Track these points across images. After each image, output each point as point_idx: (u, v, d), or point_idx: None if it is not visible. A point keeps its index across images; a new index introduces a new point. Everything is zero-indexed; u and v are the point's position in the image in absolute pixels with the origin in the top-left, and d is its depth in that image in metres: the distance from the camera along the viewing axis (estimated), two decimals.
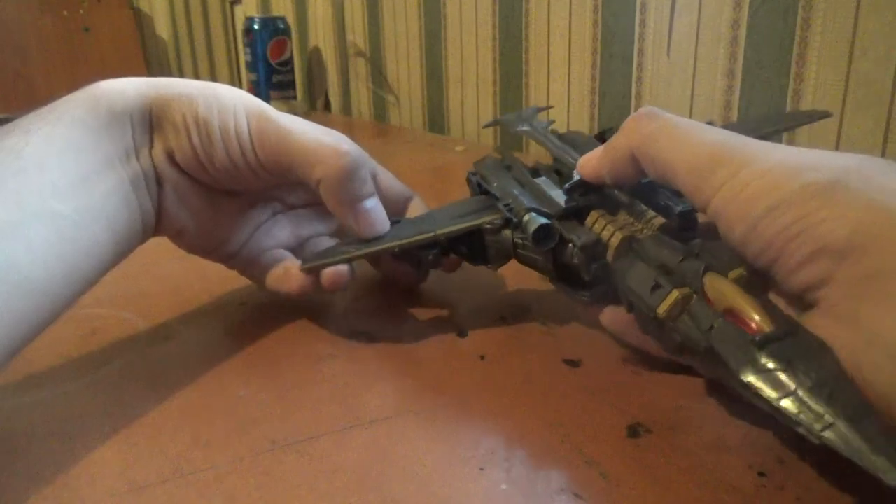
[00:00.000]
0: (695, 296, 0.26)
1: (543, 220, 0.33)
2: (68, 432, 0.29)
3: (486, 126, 0.68)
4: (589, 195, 0.34)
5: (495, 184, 0.38)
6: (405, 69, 1.05)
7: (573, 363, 0.33)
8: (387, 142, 0.97)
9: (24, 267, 0.28)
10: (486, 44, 0.90)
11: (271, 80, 1.12)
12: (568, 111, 0.82)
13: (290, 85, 1.14)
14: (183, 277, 0.44)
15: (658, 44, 0.71)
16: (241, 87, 1.38)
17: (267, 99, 1.12)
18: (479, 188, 0.39)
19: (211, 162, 0.34)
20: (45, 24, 1.57)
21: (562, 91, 0.82)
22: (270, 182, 0.36)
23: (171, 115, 0.33)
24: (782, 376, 0.22)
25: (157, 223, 0.35)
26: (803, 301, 0.25)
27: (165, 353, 0.36)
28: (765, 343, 0.23)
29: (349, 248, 0.36)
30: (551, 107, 0.60)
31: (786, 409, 0.22)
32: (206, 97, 0.34)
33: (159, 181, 0.34)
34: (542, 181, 0.37)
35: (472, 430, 0.28)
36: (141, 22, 1.74)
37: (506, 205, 0.35)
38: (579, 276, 0.32)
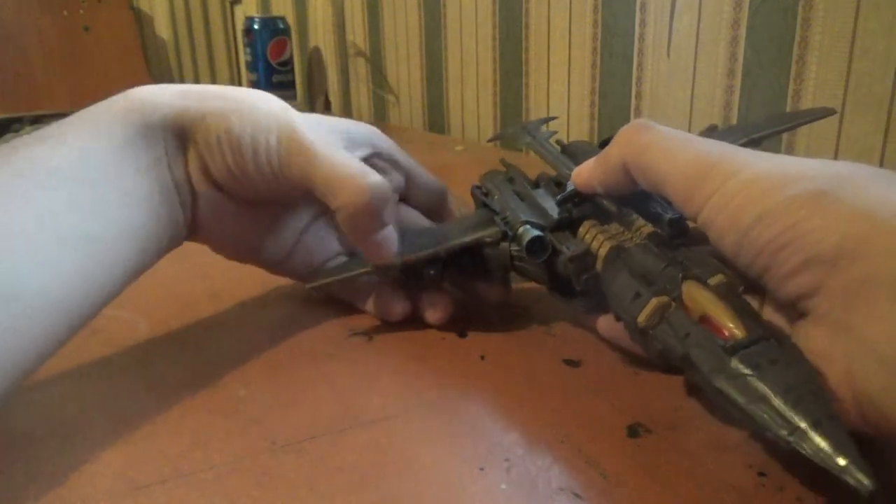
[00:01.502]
0: (673, 304, 0.27)
1: (536, 233, 0.34)
2: (68, 432, 0.29)
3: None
4: (582, 206, 0.34)
5: (496, 196, 0.39)
6: (405, 69, 1.05)
7: (573, 363, 0.33)
8: None
9: (50, 289, 0.28)
10: (486, 44, 0.90)
11: (271, 80, 1.12)
12: (568, 111, 0.82)
13: (290, 85, 1.14)
14: (183, 278, 0.44)
15: (658, 44, 0.71)
16: (241, 87, 1.36)
17: None
18: (482, 203, 0.40)
19: (244, 177, 0.34)
20: (45, 24, 1.57)
21: (562, 91, 0.82)
22: (302, 195, 0.36)
23: (205, 131, 0.33)
24: (752, 382, 0.23)
25: (189, 233, 0.36)
26: (796, 309, 0.25)
27: (165, 353, 0.36)
28: (736, 349, 0.23)
29: (355, 265, 0.38)
30: (555, 117, 0.60)
31: (754, 413, 0.22)
32: (240, 113, 0.34)
33: (193, 193, 0.35)
34: (540, 193, 0.38)
35: (472, 429, 0.28)
36: (141, 22, 1.74)
37: (503, 218, 0.36)
38: (573, 286, 0.33)
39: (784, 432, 0.21)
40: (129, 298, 0.41)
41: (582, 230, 0.34)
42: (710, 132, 0.41)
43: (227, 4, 1.46)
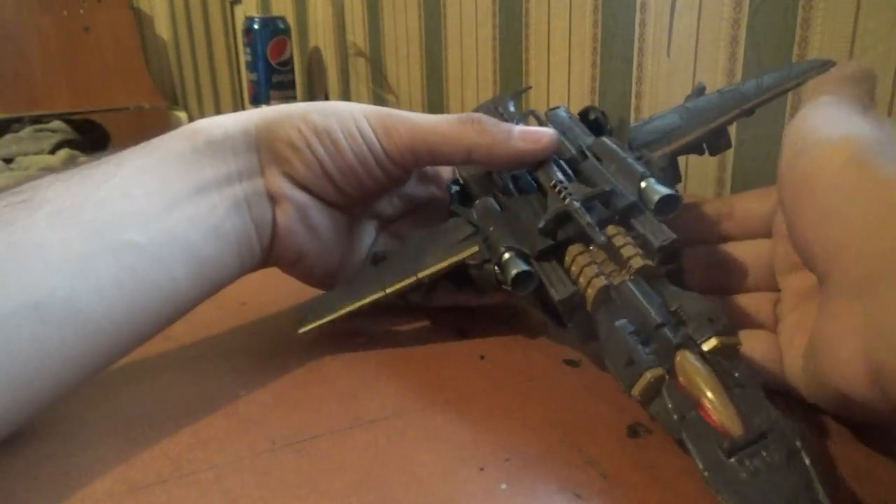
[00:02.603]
0: (666, 377, 0.25)
1: (522, 267, 0.32)
2: (68, 432, 0.29)
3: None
4: (566, 227, 0.32)
5: (477, 207, 0.36)
6: (405, 69, 1.05)
7: (573, 363, 0.33)
8: None
9: (84, 304, 0.27)
10: (486, 44, 0.90)
11: (271, 80, 1.12)
12: None
13: (290, 85, 1.14)
14: None
15: (658, 44, 0.71)
16: (241, 87, 1.36)
17: (267, 99, 1.12)
18: (461, 197, 0.38)
19: (338, 169, 0.34)
20: (45, 24, 1.57)
21: (562, 91, 0.82)
22: (395, 179, 0.37)
23: (285, 134, 0.33)
24: (749, 490, 0.21)
25: (271, 250, 0.35)
26: (815, 270, 0.25)
27: (165, 353, 0.36)
28: (733, 450, 0.22)
29: (338, 304, 0.35)
30: (529, 88, 0.58)
31: None
32: (318, 110, 0.34)
33: (274, 204, 0.34)
34: (520, 201, 0.35)
35: (472, 429, 0.28)
36: (141, 22, 1.74)
37: (484, 240, 0.34)
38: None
39: None
40: None
41: (568, 258, 0.31)
42: (699, 93, 0.39)
43: (227, 4, 1.46)
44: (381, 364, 0.34)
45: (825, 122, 0.26)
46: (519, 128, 0.35)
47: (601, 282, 0.29)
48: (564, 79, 0.81)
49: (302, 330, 0.35)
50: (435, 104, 1.01)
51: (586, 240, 0.31)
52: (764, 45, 0.62)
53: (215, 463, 0.27)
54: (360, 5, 1.10)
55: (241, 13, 1.41)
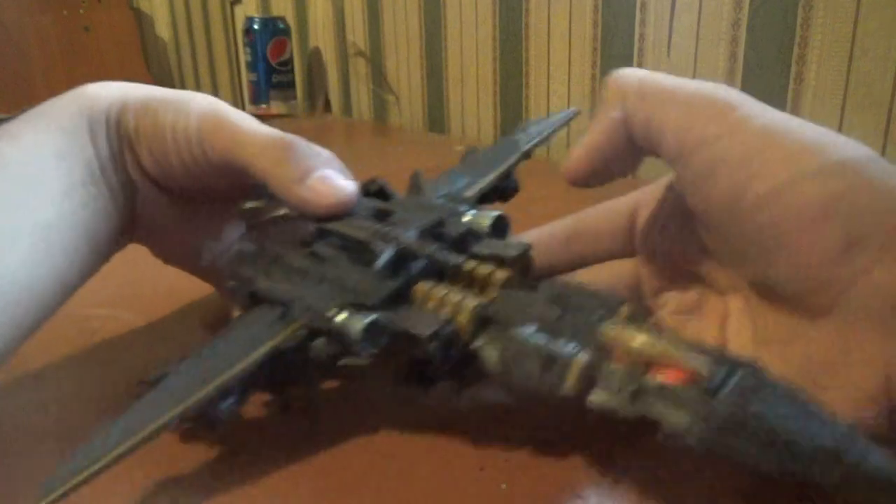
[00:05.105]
0: (598, 358, 0.22)
1: (370, 317, 0.25)
2: (68, 432, 0.29)
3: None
4: (406, 267, 0.27)
5: (266, 283, 0.29)
6: (405, 69, 1.05)
7: None
8: (387, 142, 0.97)
9: (15, 273, 0.28)
10: (486, 44, 0.90)
11: (271, 81, 1.12)
12: None
13: (290, 85, 1.14)
14: (183, 278, 0.44)
15: (658, 44, 0.71)
16: (241, 87, 1.37)
17: (267, 99, 1.12)
18: (255, 298, 0.29)
19: (169, 166, 0.33)
20: (45, 24, 1.57)
21: (562, 91, 0.82)
22: (233, 187, 0.34)
23: (137, 122, 0.33)
24: (755, 418, 0.18)
25: (132, 230, 0.34)
26: (815, 308, 0.21)
27: (165, 353, 0.36)
28: (714, 389, 0.19)
29: (102, 450, 0.24)
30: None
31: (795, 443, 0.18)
32: (167, 103, 0.33)
33: (133, 189, 0.34)
34: (333, 257, 0.29)
35: (473, 429, 0.28)
36: (141, 22, 1.74)
37: (302, 309, 0.26)
38: (429, 372, 0.26)
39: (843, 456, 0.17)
40: (130, 299, 0.42)
41: (419, 297, 0.26)
42: (472, 153, 0.37)
43: (227, 4, 1.46)
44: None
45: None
46: (317, 175, 0.30)
47: (471, 303, 0.25)
48: (564, 79, 0.81)
49: (47, 500, 0.22)
50: (435, 104, 1.01)
51: (432, 276, 0.27)
52: (764, 45, 0.62)
53: (214, 463, 0.27)
54: (360, 5, 1.10)
55: (241, 13, 1.41)
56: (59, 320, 0.30)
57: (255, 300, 0.29)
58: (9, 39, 1.55)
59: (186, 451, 0.27)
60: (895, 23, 0.53)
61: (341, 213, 0.30)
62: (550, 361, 0.22)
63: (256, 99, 1.13)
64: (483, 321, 0.25)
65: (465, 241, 0.28)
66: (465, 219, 0.29)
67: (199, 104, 0.33)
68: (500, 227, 0.29)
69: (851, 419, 0.20)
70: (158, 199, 0.34)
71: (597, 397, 0.21)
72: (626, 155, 0.27)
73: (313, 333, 0.26)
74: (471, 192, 0.33)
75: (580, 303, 0.23)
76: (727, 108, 0.23)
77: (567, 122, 0.38)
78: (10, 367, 0.28)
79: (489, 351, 0.24)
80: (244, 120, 0.32)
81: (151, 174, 0.33)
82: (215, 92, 1.61)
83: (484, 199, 0.34)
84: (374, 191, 0.33)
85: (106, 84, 0.34)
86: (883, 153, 0.58)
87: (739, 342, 0.25)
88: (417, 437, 0.28)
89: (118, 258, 0.35)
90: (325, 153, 0.32)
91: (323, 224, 0.30)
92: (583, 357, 0.22)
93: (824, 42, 0.58)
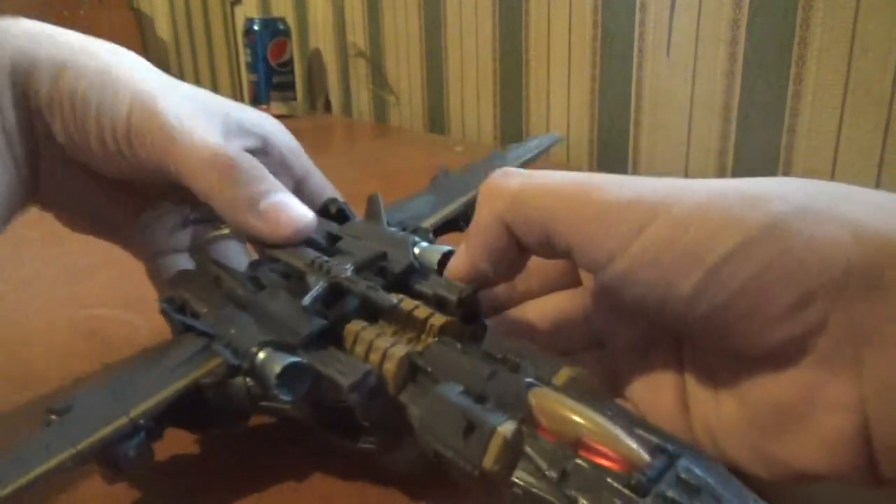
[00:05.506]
0: (525, 429, 0.19)
1: (289, 359, 0.23)
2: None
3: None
4: (339, 303, 0.25)
5: (204, 310, 0.27)
6: (405, 69, 1.05)
7: None
8: (387, 142, 0.97)
9: None
10: (486, 44, 0.90)
11: (271, 81, 1.12)
12: (568, 111, 0.82)
13: (291, 86, 1.14)
14: None
15: (658, 44, 0.71)
16: (241, 87, 1.36)
17: (267, 100, 1.12)
18: (183, 325, 0.27)
19: (89, 150, 0.29)
20: None
21: (562, 91, 0.82)
22: (165, 185, 0.30)
23: (51, 93, 0.28)
24: None
25: (35, 197, 0.31)
26: (775, 358, 0.20)
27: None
28: (648, 484, 0.16)
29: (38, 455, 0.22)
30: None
31: None
32: (88, 72, 0.28)
33: (36, 151, 0.29)
34: (266, 295, 0.27)
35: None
36: (141, 23, 1.74)
37: (225, 343, 0.25)
38: (353, 421, 0.23)
39: None
40: (130, 299, 0.42)
41: (348, 339, 0.24)
42: (444, 175, 0.35)
43: (228, 5, 1.46)
44: None
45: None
46: (269, 201, 0.28)
47: (400, 350, 0.23)
48: (564, 79, 0.81)
49: None
50: (435, 104, 1.01)
51: (367, 314, 0.25)
52: (764, 45, 0.62)
53: (213, 464, 0.27)
54: (360, 5, 1.10)
55: (241, 14, 1.41)
56: (60, 320, 0.30)
57: (185, 326, 0.27)
58: None
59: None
60: (895, 23, 0.53)
61: (298, 242, 0.28)
62: (471, 427, 0.19)
63: (256, 99, 1.13)
64: (413, 371, 0.23)
65: (408, 277, 0.26)
66: (416, 251, 0.27)
67: (127, 82, 0.29)
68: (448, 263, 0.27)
69: (826, 468, 0.19)
70: (71, 173, 0.30)
71: (521, 477, 0.18)
72: (508, 263, 0.25)
73: (233, 371, 0.24)
74: (431, 221, 0.31)
75: (517, 363, 0.21)
76: (647, 214, 0.21)
77: (549, 148, 0.37)
78: (10, 366, 0.28)
79: (412, 407, 0.22)
80: (180, 121, 0.28)
81: (66, 149, 0.30)
82: (215, 92, 1.61)
83: (449, 225, 0.32)
84: (333, 212, 0.32)
85: (14, 22, 0.30)
86: (882, 153, 0.58)
87: (694, 380, 0.24)
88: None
89: (119, 258, 0.35)
90: (265, 179, 0.29)
91: (269, 248, 0.28)
92: (508, 427, 0.18)
93: (824, 42, 0.58)
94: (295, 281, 0.26)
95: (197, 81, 1.67)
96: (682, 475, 0.16)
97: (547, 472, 0.18)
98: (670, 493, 0.16)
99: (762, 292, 0.19)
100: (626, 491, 0.16)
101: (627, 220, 0.21)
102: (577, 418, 0.18)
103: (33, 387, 0.33)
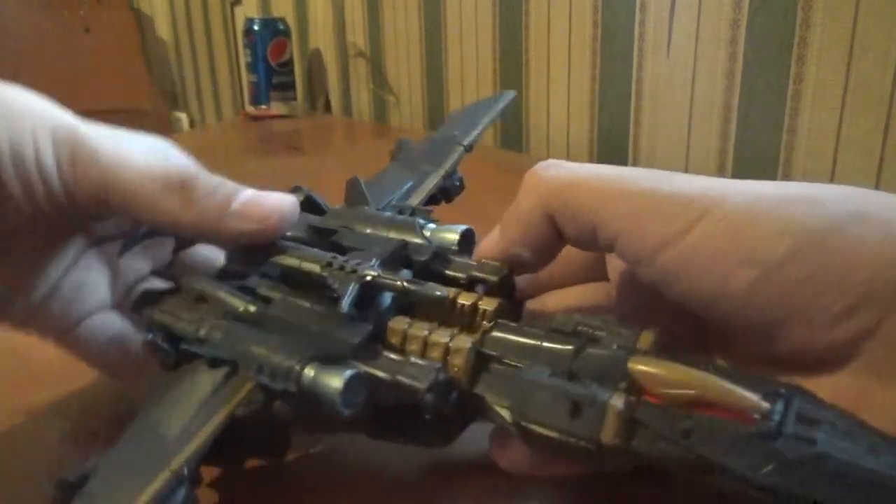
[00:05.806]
0: (634, 399, 0.19)
1: (347, 371, 0.21)
2: (69, 434, 0.29)
3: None
4: (373, 302, 0.23)
5: (201, 333, 0.24)
6: (405, 69, 1.05)
7: None
8: (387, 142, 0.96)
9: None
10: (486, 44, 0.90)
11: (271, 81, 1.12)
12: (568, 111, 0.82)
13: (291, 86, 1.14)
14: None
15: (658, 44, 0.71)
16: (241, 88, 1.36)
17: (267, 100, 1.12)
18: (185, 354, 0.25)
19: (1, 198, 0.25)
20: (44, 25, 1.57)
21: (562, 91, 0.82)
22: (84, 218, 0.28)
23: None
24: (824, 460, 0.16)
25: None
26: (820, 363, 0.20)
27: None
28: (778, 428, 0.17)
29: None
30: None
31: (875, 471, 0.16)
32: None
33: None
34: (279, 304, 0.24)
35: (473, 429, 0.28)
36: (141, 23, 1.74)
37: (258, 369, 0.22)
38: (412, 420, 0.23)
39: None
40: None
41: (395, 339, 0.23)
42: (404, 147, 0.35)
43: (228, 5, 1.46)
44: None
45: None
46: (241, 200, 0.26)
47: (464, 342, 0.22)
48: (564, 79, 0.81)
49: None
50: (435, 104, 1.01)
51: (400, 309, 0.24)
52: (764, 45, 0.62)
53: (216, 468, 0.27)
54: (360, 6, 1.10)
55: (241, 14, 1.41)
56: None
57: (185, 356, 0.24)
58: (8, 40, 1.55)
59: None
60: (895, 23, 0.53)
61: (286, 227, 0.26)
62: (578, 407, 0.19)
63: (256, 100, 1.13)
64: (482, 360, 0.22)
65: (435, 264, 0.25)
66: (427, 234, 0.26)
67: (40, 114, 0.26)
68: (467, 241, 0.26)
69: None
70: None
71: (641, 445, 0.18)
72: (544, 251, 0.25)
73: (272, 394, 0.22)
74: (416, 200, 0.30)
75: (593, 336, 0.21)
76: (697, 210, 0.21)
77: (504, 107, 0.36)
78: (10, 366, 0.28)
79: (491, 397, 0.21)
80: (113, 150, 0.26)
81: None
82: (215, 93, 1.61)
83: (429, 201, 0.31)
84: (301, 202, 0.28)
85: None
86: (882, 153, 0.58)
87: None
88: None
89: None
90: (225, 184, 0.26)
91: (251, 255, 0.26)
92: (619, 399, 0.19)
93: (824, 42, 0.58)
94: (305, 287, 0.24)
95: (197, 82, 1.67)
96: (802, 413, 0.17)
97: (670, 435, 0.18)
98: (798, 430, 0.16)
99: (815, 295, 0.19)
100: (758, 438, 0.17)
101: (680, 213, 0.21)
102: (688, 379, 0.18)
103: (34, 386, 0.33)
